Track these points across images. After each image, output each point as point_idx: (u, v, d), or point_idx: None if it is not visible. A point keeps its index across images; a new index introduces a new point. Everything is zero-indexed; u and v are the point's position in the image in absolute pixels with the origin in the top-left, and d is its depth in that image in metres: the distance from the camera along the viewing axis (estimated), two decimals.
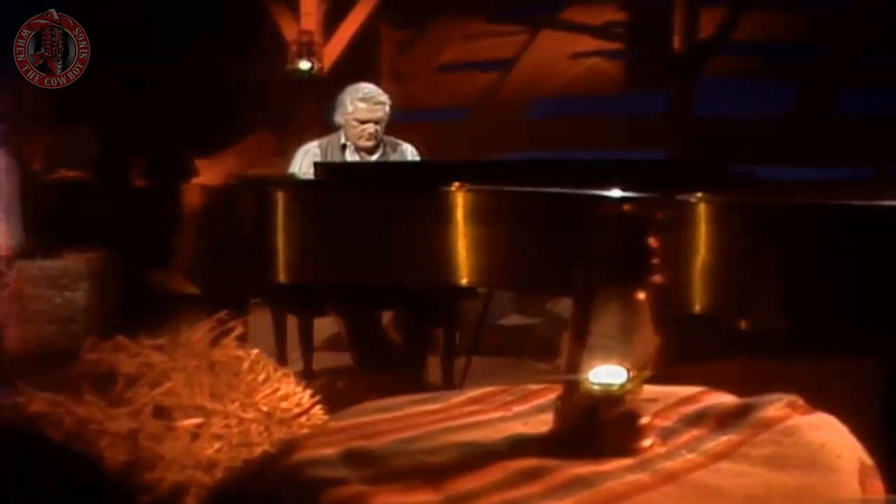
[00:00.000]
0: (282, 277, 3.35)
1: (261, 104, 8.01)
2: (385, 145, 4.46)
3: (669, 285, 2.77)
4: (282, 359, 4.62)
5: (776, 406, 2.48)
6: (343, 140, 4.42)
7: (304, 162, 4.43)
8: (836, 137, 7.84)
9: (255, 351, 3.33)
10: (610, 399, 2.06)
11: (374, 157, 4.43)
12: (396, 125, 9.49)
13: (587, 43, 9.14)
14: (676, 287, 2.75)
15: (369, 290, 3.69)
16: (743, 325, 2.62)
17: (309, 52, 7.37)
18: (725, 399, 2.61)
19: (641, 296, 1.79)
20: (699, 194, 2.72)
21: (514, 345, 5.59)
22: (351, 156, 4.42)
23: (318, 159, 4.38)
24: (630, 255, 1.81)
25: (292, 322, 4.50)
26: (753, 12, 8.05)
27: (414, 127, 10.04)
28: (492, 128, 9.14)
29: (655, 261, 1.78)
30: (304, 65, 7.38)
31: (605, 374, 1.98)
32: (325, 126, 5.43)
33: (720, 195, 2.73)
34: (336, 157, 4.40)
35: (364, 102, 4.33)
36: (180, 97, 8.03)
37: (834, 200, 2.78)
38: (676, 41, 7.92)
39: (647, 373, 1.93)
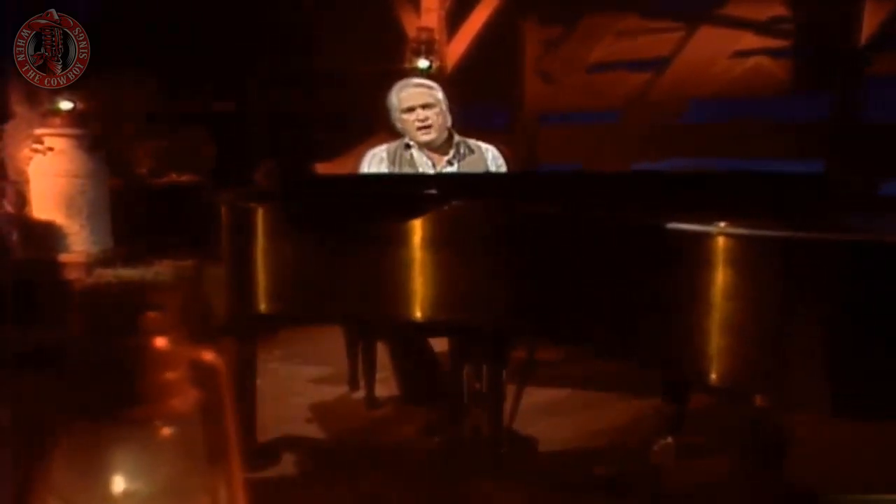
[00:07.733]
0: (262, 307, 2.86)
1: (380, 105, 7.60)
2: (459, 145, 3.99)
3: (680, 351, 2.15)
4: (354, 382, 4.26)
5: None
6: (407, 140, 3.97)
7: (370, 167, 4.02)
8: None
9: None
10: None
11: (448, 156, 3.98)
12: (541, 127, 9.09)
13: (750, 40, 8.37)
14: (684, 350, 2.11)
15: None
16: (759, 401, 1.93)
17: (428, 49, 6.91)
18: None
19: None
20: (721, 224, 2.06)
21: (615, 378, 5.10)
22: (418, 155, 3.97)
23: (385, 163, 3.99)
24: None
25: None
26: None
27: (560, 129, 9.56)
28: (645, 132, 8.52)
29: None
30: (423, 63, 6.93)
31: None
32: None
33: (748, 225, 2.05)
34: (404, 160, 3.98)
35: (405, 90, 3.94)
36: (304, 97, 7.78)
37: None
38: (842, 37, 7.06)
39: None
